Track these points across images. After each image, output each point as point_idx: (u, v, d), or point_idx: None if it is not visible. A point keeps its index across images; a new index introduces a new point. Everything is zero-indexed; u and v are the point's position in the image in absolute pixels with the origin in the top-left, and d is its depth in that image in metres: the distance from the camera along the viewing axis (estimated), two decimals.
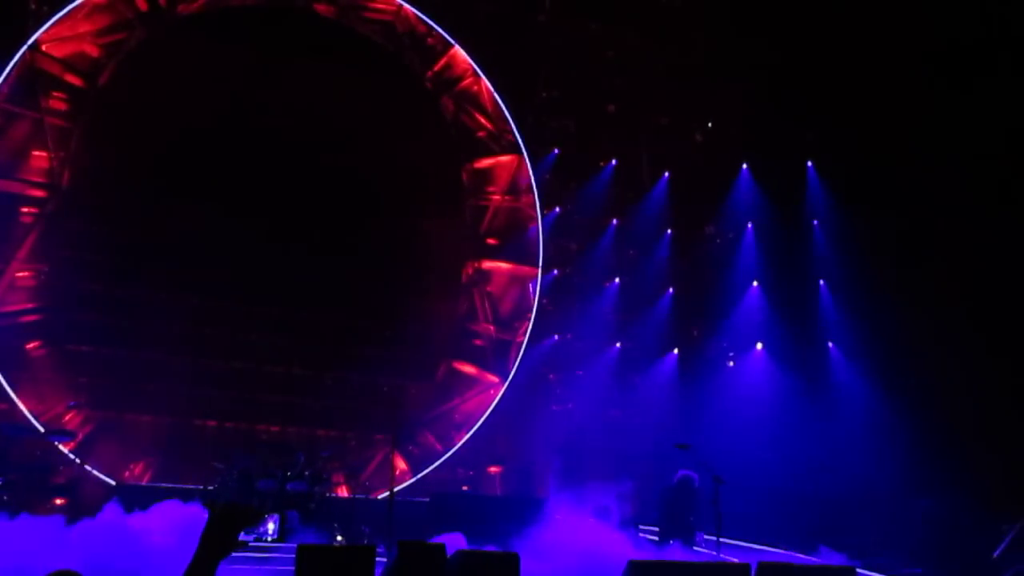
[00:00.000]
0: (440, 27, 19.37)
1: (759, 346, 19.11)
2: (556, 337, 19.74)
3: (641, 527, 15.18)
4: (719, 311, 20.00)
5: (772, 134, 19.13)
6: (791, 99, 18.53)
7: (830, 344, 18.38)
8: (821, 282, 18.68)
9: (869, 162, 17.37)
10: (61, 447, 14.47)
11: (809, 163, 19.20)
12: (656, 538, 14.43)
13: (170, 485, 14.47)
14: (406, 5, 19.19)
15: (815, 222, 19.03)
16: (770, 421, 17.58)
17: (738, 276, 19.79)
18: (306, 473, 13.89)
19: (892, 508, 15.65)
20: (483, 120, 19.82)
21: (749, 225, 19.88)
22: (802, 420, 17.17)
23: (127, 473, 15.89)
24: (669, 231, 20.72)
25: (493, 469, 18.57)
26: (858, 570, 10.91)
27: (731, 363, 19.99)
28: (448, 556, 9.25)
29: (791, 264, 19.05)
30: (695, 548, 13.78)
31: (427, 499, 16.13)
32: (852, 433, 16.72)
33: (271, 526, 12.10)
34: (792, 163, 19.35)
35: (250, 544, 11.42)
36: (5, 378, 15.08)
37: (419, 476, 18.07)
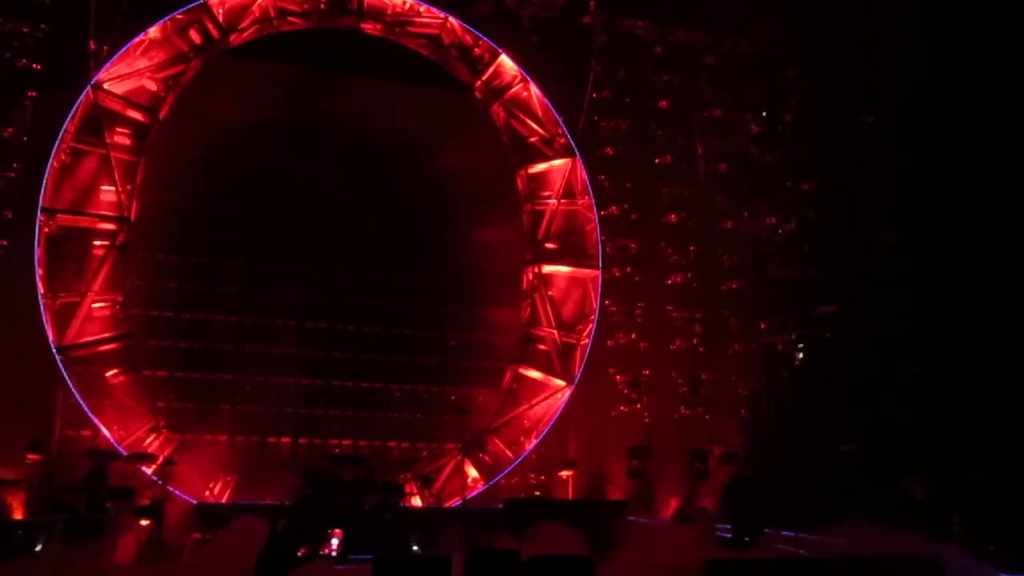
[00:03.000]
0: (486, 36, 19.50)
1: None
2: (621, 338, 19.61)
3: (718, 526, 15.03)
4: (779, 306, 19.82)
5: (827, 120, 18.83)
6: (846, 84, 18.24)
7: None
8: None
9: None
10: (144, 469, 14.89)
11: None
12: (729, 536, 14.26)
13: (249, 502, 14.78)
14: (451, 18, 19.35)
15: None
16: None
17: None
18: (380, 485, 14.06)
19: None
20: (535, 125, 19.85)
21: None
22: None
23: (207, 493, 16.26)
24: (728, 224, 20.53)
25: (564, 473, 18.50)
26: None
27: (800, 355, 19.68)
28: (523, 561, 9.27)
29: None
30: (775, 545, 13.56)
31: (500, 505, 16.20)
32: None
33: (335, 541, 12.23)
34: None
35: (316, 559, 11.62)
36: (88, 405, 15.65)
37: (491, 483, 18.13)
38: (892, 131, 18.28)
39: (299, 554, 11.04)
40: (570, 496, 18.28)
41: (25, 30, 15.94)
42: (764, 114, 21.04)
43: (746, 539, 13.56)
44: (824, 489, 15.38)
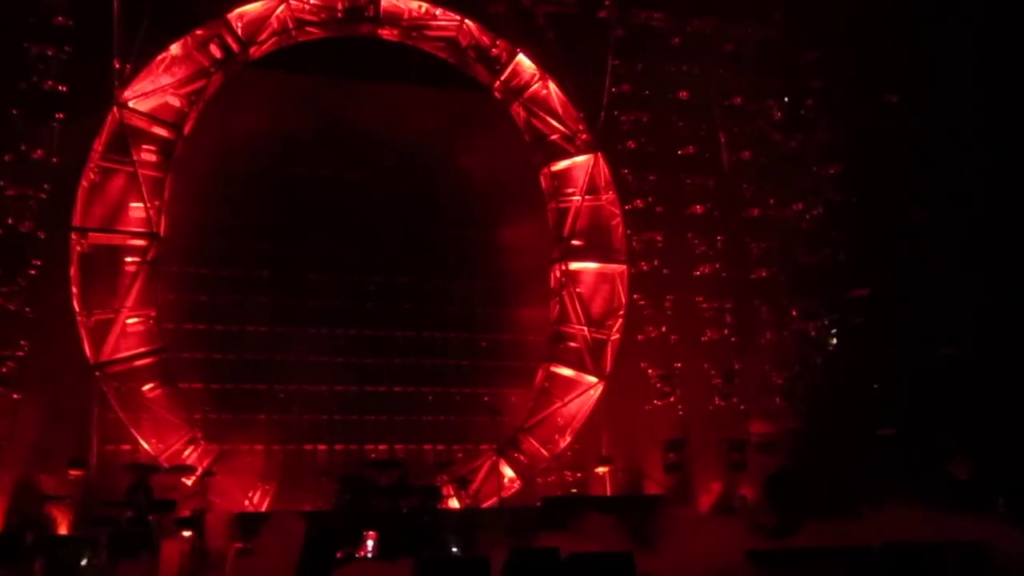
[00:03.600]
0: (502, 35, 19.52)
1: None
2: (651, 331, 19.54)
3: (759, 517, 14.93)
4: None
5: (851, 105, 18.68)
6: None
7: None
8: None
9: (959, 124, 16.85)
10: (184, 481, 15.07)
11: None
12: (771, 527, 14.15)
13: (288, 510, 14.90)
14: (467, 19, 19.38)
15: None
16: None
17: None
18: (417, 488, 14.12)
19: None
20: (555, 123, 19.83)
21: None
22: None
23: (246, 502, 16.42)
24: (755, 212, 20.41)
25: (601, 469, 18.46)
26: None
27: (834, 340, 19.52)
28: (562, 559, 9.28)
29: None
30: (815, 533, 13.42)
31: (538, 504, 16.20)
32: None
33: (370, 543, 12.28)
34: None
35: (353, 561, 11.68)
36: (126, 420, 15.88)
37: (527, 482, 18.15)
38: (918, 109, 18.12)
39: (336, 557, 11.12)
40: (607, 492, 18.24)
41: (50, 53, 16.17)
42: (786, 99, 20.88)
43: (791, 530, 13.45)
44: (864, 475, 15.23)
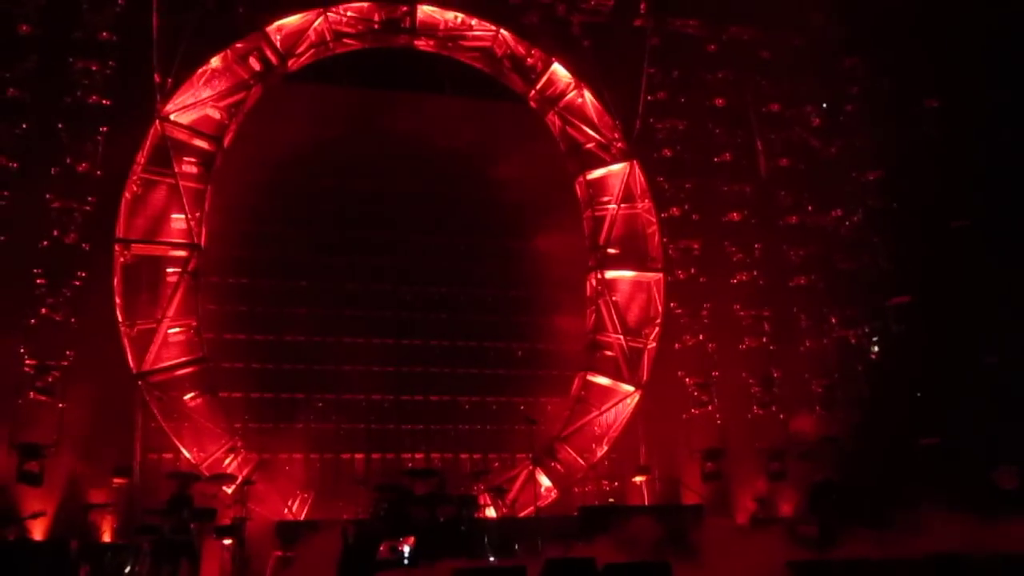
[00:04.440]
0: (537, 45, 19.58)
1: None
2: (688, 340, 19.41)
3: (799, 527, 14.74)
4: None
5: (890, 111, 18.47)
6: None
7: None
8: None
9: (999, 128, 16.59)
10: (225, 489, 15.25)
11: None
12: (813, 537, 13.96)
13: (326, 518, 15.01)
14: (503, 30, 19.47)
15: None
16: None
17: None
18: (454, 497, 14.14)
19: None
20: (590, 131, 19.84)
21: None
22: None
23: (285, 510, 16.56)
24: (793, 219, 20.23)
25: (638, 479, 18.37)
26: None
27: (875, 348, 19.26)
28: (598, 568, 9.24)
29: None
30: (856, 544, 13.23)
31: (575, 514, 16.15)
32: None
33: (406, 549, 12.31)
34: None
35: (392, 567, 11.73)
36: (169, 428, 16.11)
37: (564, 492, 18.11)
38: (958, 114, 17.87)
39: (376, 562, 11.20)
40: (645, 502, 18.13)
41: (94, 68, 16.50)
42: (824, 106, 20.68)
43: (832, 541, 13.27)
44: (907, 484, 14.99)
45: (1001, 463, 15.06)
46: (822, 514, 14.38)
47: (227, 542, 13.53)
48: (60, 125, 16.16)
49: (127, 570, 12.72)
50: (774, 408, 19.23)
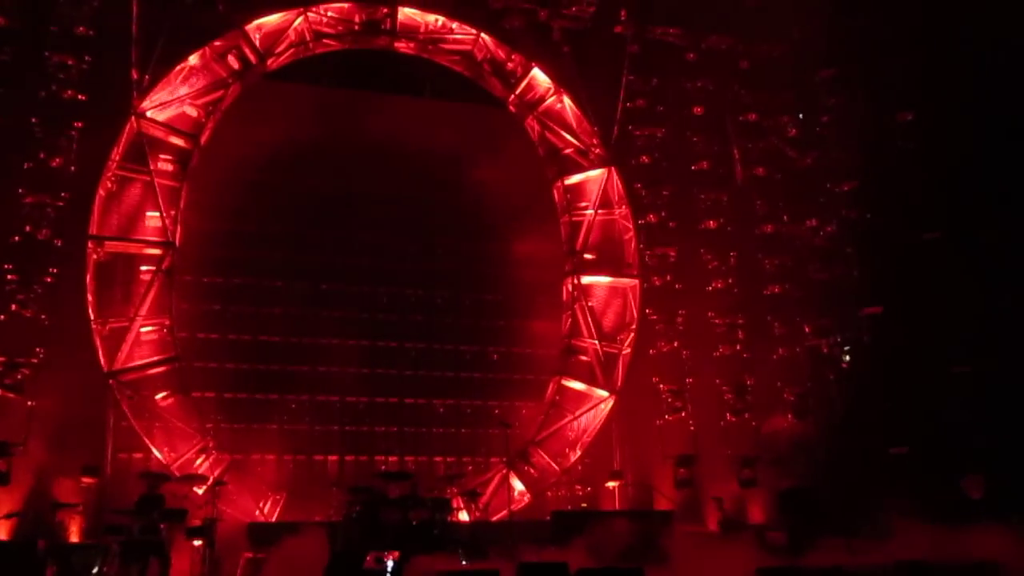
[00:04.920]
0: (518, 50, 19.63)
1: None
2: (663, 346, 19.51)
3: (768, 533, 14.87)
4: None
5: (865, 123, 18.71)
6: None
7: None
8: None
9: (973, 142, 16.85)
10: (195, 490, 15.11)
11: None
12: (782, 544, 14.10)
13: (298, 520, 14.93)
14: (483, 34, 19.49)
15: None
16: None
17: None
18: (427, 500, 14.12)
19: None
20: (569, 137, 19.90)
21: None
22: None
23: (257, 511, 16.45)
24: (768, 228, 20.41)
25: (611, 484, 18.43)
26: None
27: (846, 358, 19.47)
28: (571, 574, 9.27)
29: None
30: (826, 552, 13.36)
31: (547, 518, 16.17)
32: None
33: (391, 563, 12.26)
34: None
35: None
36: (140, 428, 15.95)
37: (537, 496, 18.12)
38: (932, 127, 18.12)
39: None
40: (617, 507, 18.19)
41: (70, 62, 16.34)
42: (800, 116, 20.90)
43: (801, 549, 13.39)
44: (876, 493, 15.16)
45: (969, 472, 15.27)
46: (791, 521, 14.48)
47: (197, 543, 13.40)
48: (34, 119, 15.99)
49: (95, 570, 12.56)
50: (747, 415, 19.37)
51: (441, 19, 19.48)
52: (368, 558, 11.55)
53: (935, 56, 17.75)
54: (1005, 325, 16.55)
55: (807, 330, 20.02)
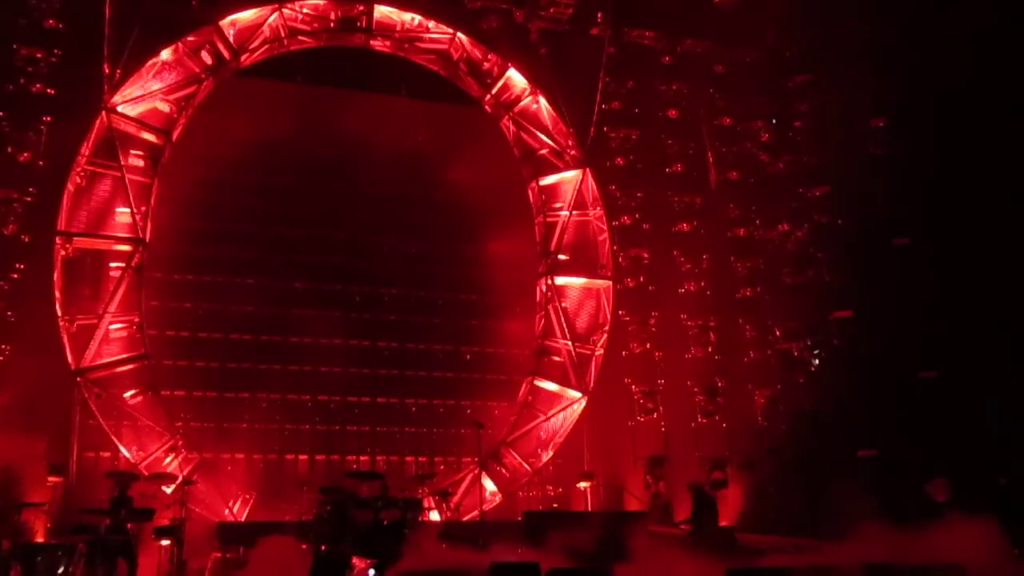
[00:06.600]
0: (494, 50, 19.62)
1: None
2: (635, 348, 19.60)
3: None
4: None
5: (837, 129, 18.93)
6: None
7: None
8: None
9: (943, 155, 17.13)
10: (164, 489, 14.96)
11: None
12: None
13: (268, 520, 14.83)
14: (460, 33, 19.46)
15: None
16: None
17: None
18: (399, 500, 14.07)
19: None
20: (544, 138, 19.93)
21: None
22: None
23: (226, 511, 16.32)
24: (741, 231, 20.58)
25: (582, 485, 18.47)
26: None
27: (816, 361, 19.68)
28: (543, 574, 9.28)
29: None
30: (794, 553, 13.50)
31: (519, 519, 16.19)
32: None
33: (372, 572, 12.21)
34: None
35: None
36: (107, 427, 15.75)
37: (509, 496, 18.13)
38: (904, 134, 18.36)
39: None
40: (588, 507, 18.24)
41: (39, 56, 16.12)
42: (774, 121, 21.07)
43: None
44: (843, 495, 15.32)
45: (935, 476, 15.47)
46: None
47: (165, 543, 13.27)
48: (2, 113, 15.79)
49: (61, 571, 12.37)
50: (718, 417, 19.51)
51: (418, 18, 19.43)
52: (354, 562, 11.53)
53: (906, 63, 17.99)
54: (972, 330, 16.79)
55: (778, 333, 20.19)
